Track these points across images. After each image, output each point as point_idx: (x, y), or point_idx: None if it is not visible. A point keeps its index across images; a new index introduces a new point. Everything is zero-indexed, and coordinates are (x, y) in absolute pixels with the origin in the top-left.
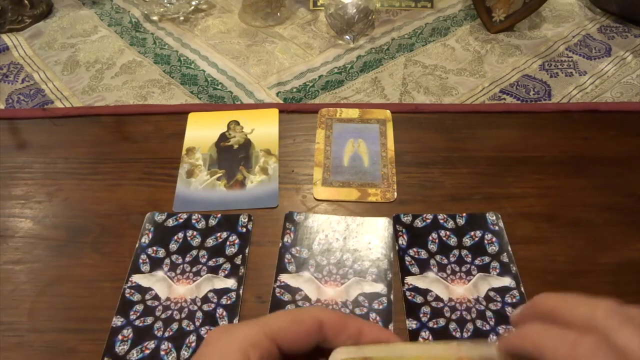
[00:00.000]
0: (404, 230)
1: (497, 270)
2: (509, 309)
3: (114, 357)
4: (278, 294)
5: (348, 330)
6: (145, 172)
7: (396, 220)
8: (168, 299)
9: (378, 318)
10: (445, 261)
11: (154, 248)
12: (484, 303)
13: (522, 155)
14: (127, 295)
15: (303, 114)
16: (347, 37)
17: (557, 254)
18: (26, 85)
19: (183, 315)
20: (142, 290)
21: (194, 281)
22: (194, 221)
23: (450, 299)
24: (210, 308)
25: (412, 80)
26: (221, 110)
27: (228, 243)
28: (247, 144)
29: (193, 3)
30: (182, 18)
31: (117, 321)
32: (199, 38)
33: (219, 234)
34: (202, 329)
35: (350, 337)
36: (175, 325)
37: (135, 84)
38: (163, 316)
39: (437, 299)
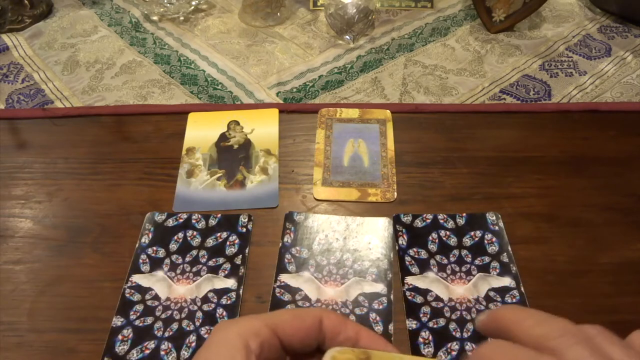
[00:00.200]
0: (404, 230)
1: (497, 270)
2: None
3: (114, 357)
4: (278, 294)
5: (346, 332)
6: (145, 172)
7: (396, 220)
8: (168, 299)
9: (378, 318)
10: (445, 261)
11: (154, 248)
12: (484, 303)
13: (522, 155)
14: (127, 295)
15: (303, 114)
16: (347, 37)
17: (557, 254)
18: (26, 85)
19: (183, 315)
20: (142, 290)
21: (194, 281)
22: (194, 221)
23: (450, 299)
24: (210, 308)
25: (412, 80)
26: (221, 110)
27: (228, 243)
28: (247, 144)
29: (193, 3)
30: (182, 18)
31: (117, 321)
32: (199, 38)
33: (219, 234)
34: (202, 329)
35: (348, 339)
36: (175, 325)
37: (135, 84)
38: (163, 316)
39: (437, 299)
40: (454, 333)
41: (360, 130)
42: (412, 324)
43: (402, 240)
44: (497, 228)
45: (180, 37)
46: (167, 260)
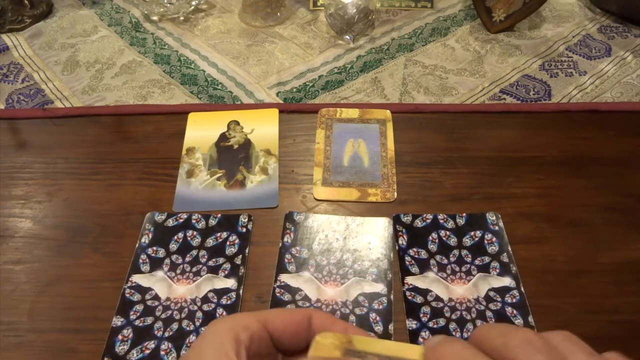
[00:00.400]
0: (404, 230)
1: (497, 270)
2: (509, 309)
3: (114, 357)
4: (278, 294)
5: (334, 328)
6: (145, 172)
7: (396, 220)
8: (168, 299)
9: (378, 318)
10: (445, 261)
11: (154, 248)
12: (484, 303)
13: (522, 155)
14: (127, 295)
15: (303, 114)
16: (347, 37)
17: (557, 254)
18: (26, 85)
19: (183, 315)
20: (142, 290)
21: (194, 281)
22: (194, 221)
23: (450, 299)
24: (210, 308)
25: (412, 80)
26: (221, 110)
27: (228, 243)
28: (247, 144)
29: (193, 3)
30: (182, 18)
31: (117, 321)
32: (199, 38)
33: (219, 234)
34: (202, 329)
35: None
36: (175, 325)
37: (135, 84)
38: (163, 316)
39: (437, 299)
40: (454, 333)
41: (360, 130)
42: (412, 324)
43: (402, 240)
44: (497, 228)
45: (180, 37)
46: (167, 260)
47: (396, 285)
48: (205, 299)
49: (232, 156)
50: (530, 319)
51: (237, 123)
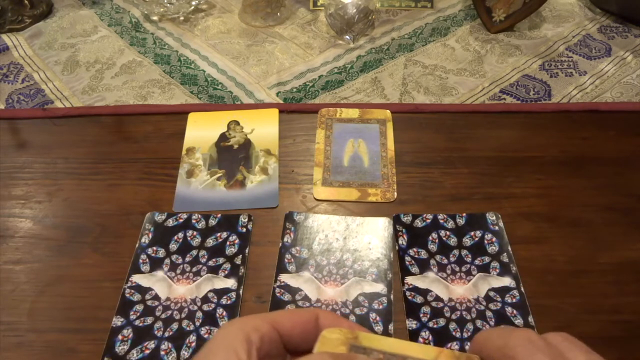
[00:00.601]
0: (404, 230)
1: (497, 270)
2: (509, 309)
3: (114, 357)
4: (278, 294)
5: (341, 327)
6: (145, 172)
7: (396, 220)
8: (168, 299)
9: (378, 318)
10: (445, 261)
11: (154, 248)
12: (484, 303)
13: (522, 155)
14: (127, 295)
15: (303, 114)
16: (347, 37)
17: (557, 254)
18: (26, 85)
19: (183, 315)
20: (142, 290)
21: (194, 281)
22: (194, 221)
23: (450, 299)
24: (210, 308)
25: (412, 80)
26: (221, 110)
27: (228, 243)
28: (247, 144)
29: (193, 3)
30: (182, 18)
31: (117, 321)
32: (199, 38)
33: (219, 234)
34: (202, 329)
35: None
36: (175, 325)
37: (135, 84)
38: (163, 316)
39: (437, 299)
40: (454, 333)
41: (360, 130)
42: (412, 324)
43: (402, 240)
44: (497, 228)
45: (180, 37)
46: (167, 260)
47: (396, 285)
48: (205, 299)
49: (232, 156)
50: (530, 319)
51: (237, 123)
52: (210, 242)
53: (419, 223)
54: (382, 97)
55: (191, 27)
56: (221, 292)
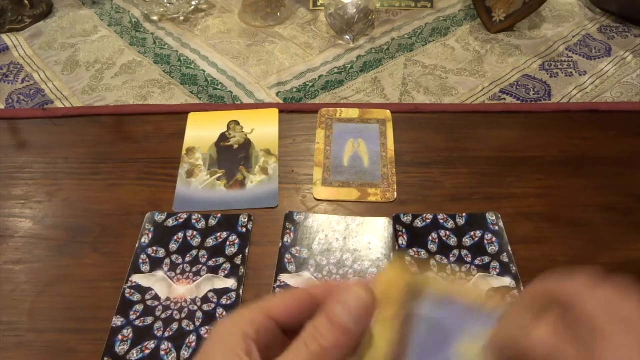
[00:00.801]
0: (404, 230)
1: (497, 270)
2: None
3: (114, 357)
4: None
5: (337, 290)
6: (145, 172)
7: (396, 220)
8: (168, 299)
9: None
10: (445, 261)
11: (154, 248)
12: None
13: (522, 155)
14: (127, 295)
15: (303, 114)
16: (347, 37)
17: (557, 254)
18: (26, 85)
19: (183, 315)
20: (142, 290)
21: (194, 281)
22: (194, 221)
23: None
24: (210, 308)
25: (412, 80)
26: (221, 110)
27: (228, 243)
28: (247, 144)
29: (193, 3)
30: (182, 18)
31: (117, 321)
32: (199, 38)
33: (219, 234)
34: (202, 329)
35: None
36: (175, 325)
37: (135, 84)
38: (163, 316)
39: None
40: None
41: (360, 130)
42: None
43: (402, 240)
44: (497, 228)
45: (180, 37)
46: (167, 260)
47: None
48: (205, 299)
49: (232, 156)
50: None
51: (237, 123)
52: (210, 242)
53: (419, 223)
54: (382, 97)
55: (191, 27)
56: (221, 292)
